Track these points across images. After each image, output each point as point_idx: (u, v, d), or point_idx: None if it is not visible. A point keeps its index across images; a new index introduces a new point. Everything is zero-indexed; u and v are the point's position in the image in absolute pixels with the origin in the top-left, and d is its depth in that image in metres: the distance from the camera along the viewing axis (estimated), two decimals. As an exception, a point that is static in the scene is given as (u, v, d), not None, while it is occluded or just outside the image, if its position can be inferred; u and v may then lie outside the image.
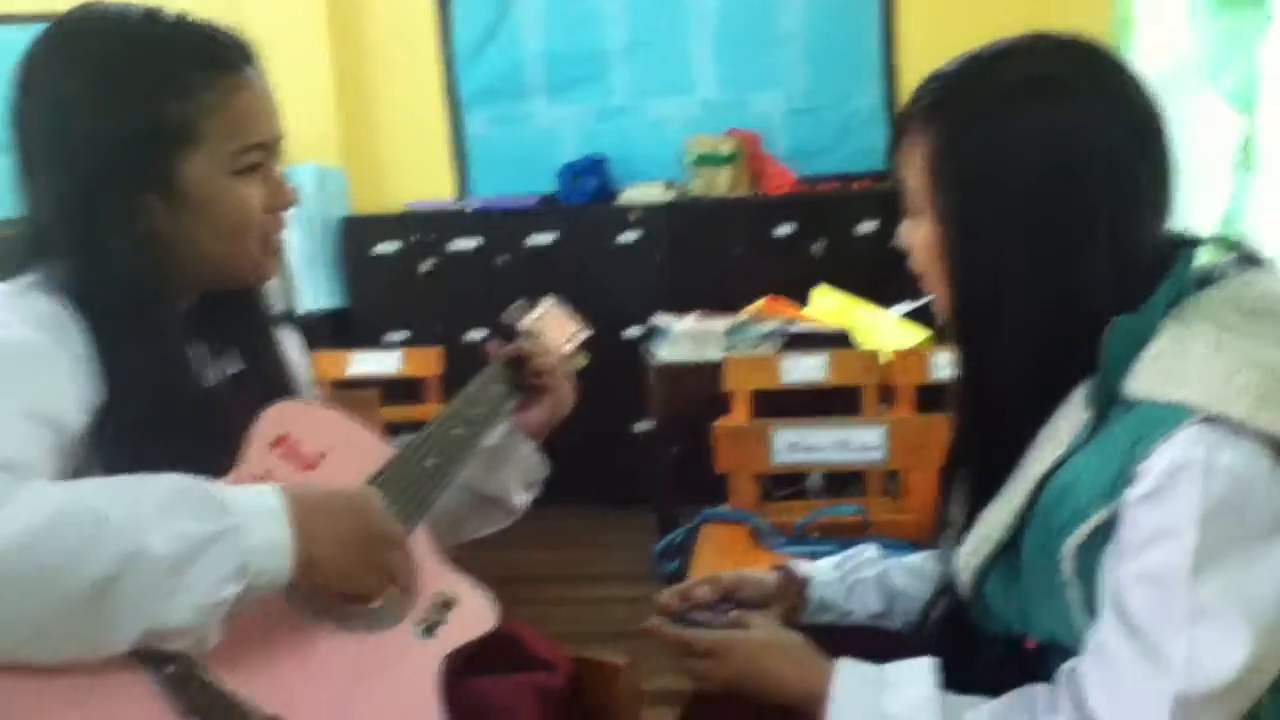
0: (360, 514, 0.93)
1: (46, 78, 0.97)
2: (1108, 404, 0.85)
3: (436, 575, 1.03)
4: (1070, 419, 0.87)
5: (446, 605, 1.01)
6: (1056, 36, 0.92)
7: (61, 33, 0.99)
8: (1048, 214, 0.86)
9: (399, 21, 4.49)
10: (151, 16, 1.01)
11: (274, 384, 1.11)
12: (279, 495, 0.87)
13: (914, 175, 0.94)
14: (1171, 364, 0.82)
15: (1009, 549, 0.90)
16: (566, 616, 3.05)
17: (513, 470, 1.28)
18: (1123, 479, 0.81)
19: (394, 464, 1.07)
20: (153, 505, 0.80)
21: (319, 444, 1.03)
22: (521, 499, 1.30)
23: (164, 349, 0.98)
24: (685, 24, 4.45)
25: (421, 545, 1.04)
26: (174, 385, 0.97)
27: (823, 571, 1.18)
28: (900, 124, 0.95)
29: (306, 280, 4.16)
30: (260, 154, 1.03)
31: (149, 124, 0.96)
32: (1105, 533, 0.82)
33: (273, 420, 1.02)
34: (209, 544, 0.80)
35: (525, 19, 4.48)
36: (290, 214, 1.09)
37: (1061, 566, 0.84)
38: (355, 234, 4.23)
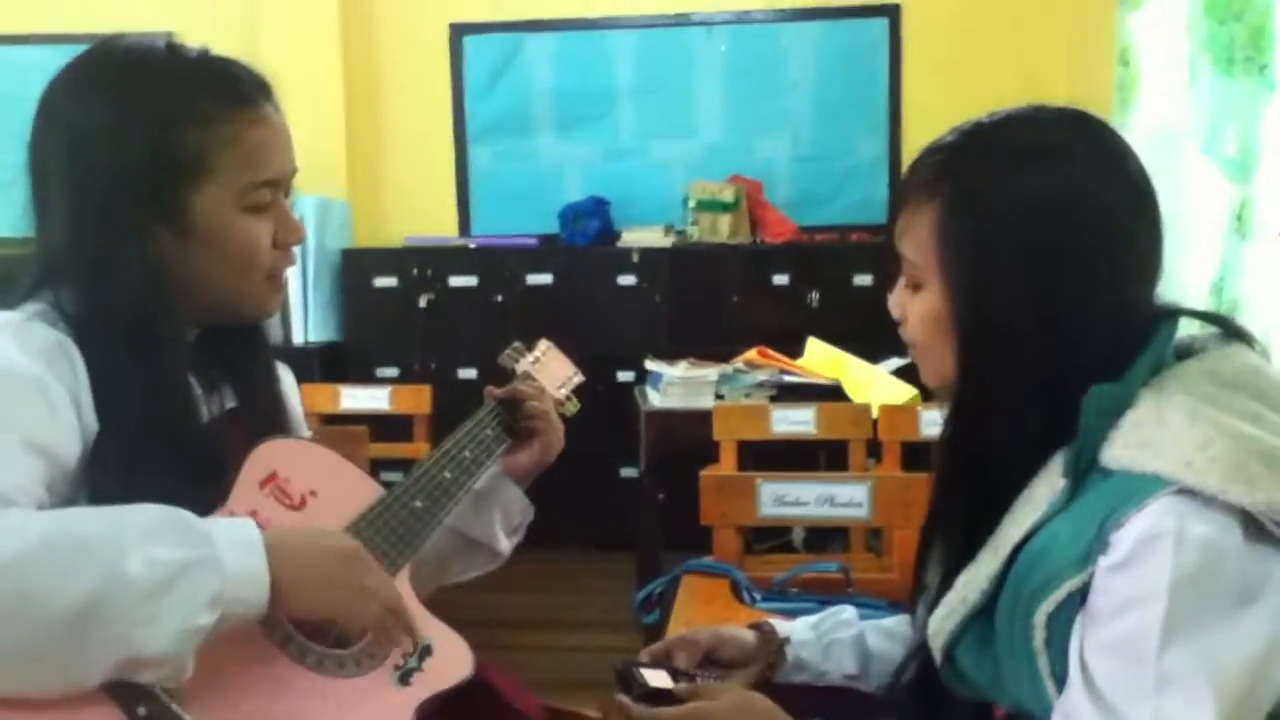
0: (342, 554, 0.93)
1: (67, 103, 0.99)
2: (1085, 472, 0.85)
3: (416, 621, 1.02)
4: (1048, 485, 0.87)
5: (423, 652, 1.00)
6: (1054, 107, 0.94)
7: (86, 61, 1.01)
8: (1055, 276, 0.87)
9: (412, 55, 4.56)
10: (173, 49, 1.02)
11: (269, 421, 1.11)
12: (256, 528, 0.87)
13: (916, 246, 0.94)
14: (1148, 434, 0.83)
15: (982, 614, 0.89)
16: (544, 664, 3.01)
17: (498, 514, 1.28)
18: (1095, 547, 0.81)
19: (381, 505, 1.07)
20: (133, 531, 0.80)
21: (308, 483, 1.03)
22: (506, 543, 1.30)
23: (164, 381, 0.98)
24: (692, 68, 4.51)
25: (402, 590, 1.03)
26: (171, 418, 0.98)
27: (800, 631, 1.17)
28: (902, 195, 0.96)
29: (303, 311, 4.17)
30: (271, 190, 1.03)
31: (162, 154, 0.97)
32: (1076, 601, 0.82)
33: (263, 458, 1.01)
34: (186, 570, 0.80)
35: (536, 56, 4.54)
36: (297, 249, 1.10)
37: (1033, 635, 0.84)
38: (355, 266, 4.25)
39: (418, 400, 3.28)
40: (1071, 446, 0.86)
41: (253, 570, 0.84)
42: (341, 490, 1.06)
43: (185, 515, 0.84)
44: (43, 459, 0.88)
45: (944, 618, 0.92)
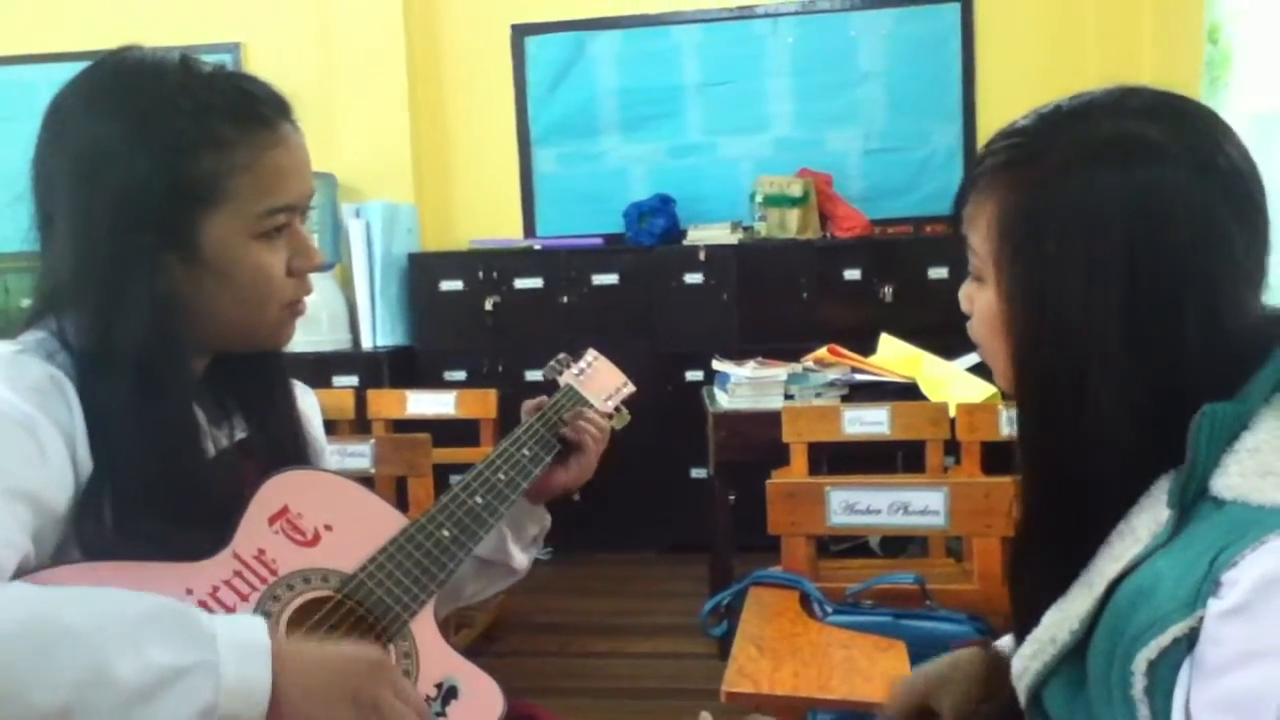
0: (359, 670, 0.84)
1: (76, 121, 0.93)
2: (1193, 501, 0.76)
3: (438, 661, 0.97)
4: (1150, 515, 0.78)
5: (448, 696, 0.95)
6: (1144, 92, 0.83)
7: (95, 76, 0.95)
8: (1131, 286, 0.78)
9: (475, 57, 4.56)
10: (188, 65, 0.96)
11: (284, 450, 1.05)
12: (267, 632, 0.80)
13: (980, 238, 0.86)
14: (1268, 460, 0.73)
15: (1074, 655, 0.81)
16: (615, 671, 2.92)
17: (512, 529, 1.24)
18: (1205, 588, 0.71)
19: (405, 536, 1.01)
20: (125, 625, 0.74)
21: (323, 516, 0.97)
22: (522, 558, 1.26)
23: (170, 417, 0.92)
24: (759, 61, 4.43)
25: (425, 628, 0.98)
26: (175, 457, 0.92)
27: None
28: (969, 181, 0.87)
29: (371, 316, 4.19)
30: (286, 215, 0.98)
31: (176, 180, 0.91)
32: (1183, 648, 0.73)
33: (273, 492, 0.96)
34: (179, 677, 0.74)
35: (598, 55, 4.51)
36: (315, 278, 1.04)
37: (1132, 682, 0.75)
38: (422, 270, 4.26)
39: (484, 404, 3.26)
40: (1179, 472, 0.76)
41: (252, 681, 0.77)
42: (361, 522, 1.00)
43: (187, 610, 0.78)
44: (29, 507, 0.82)
45: (1030, 657, 0.84)
